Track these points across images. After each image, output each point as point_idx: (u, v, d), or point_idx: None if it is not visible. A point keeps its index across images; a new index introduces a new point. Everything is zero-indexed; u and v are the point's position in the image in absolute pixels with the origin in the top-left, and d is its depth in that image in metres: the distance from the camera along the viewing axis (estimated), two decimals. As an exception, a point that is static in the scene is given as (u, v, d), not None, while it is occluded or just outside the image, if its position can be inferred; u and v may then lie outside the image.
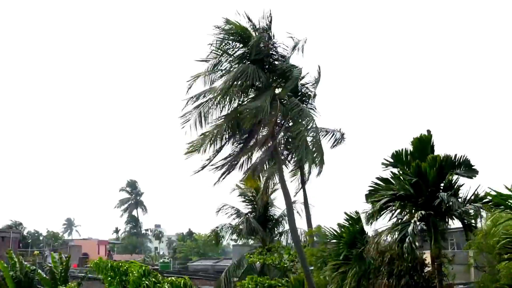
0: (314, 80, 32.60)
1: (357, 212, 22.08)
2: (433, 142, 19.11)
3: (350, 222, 22.31)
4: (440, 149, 19.06)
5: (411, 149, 19.03)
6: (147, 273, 24.88)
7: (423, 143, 18.87)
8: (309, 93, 33.47)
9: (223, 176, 29.99)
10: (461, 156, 18.35)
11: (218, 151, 29.92)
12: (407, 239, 16.78)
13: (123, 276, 24.99)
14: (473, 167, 18.35)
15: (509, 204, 9.82)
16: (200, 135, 29.13)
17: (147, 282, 24.19)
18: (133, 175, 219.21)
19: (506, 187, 9.79)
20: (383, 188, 19.10)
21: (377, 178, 19.50)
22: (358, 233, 22.01)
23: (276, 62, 30.30)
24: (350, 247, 21.90)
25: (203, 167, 29.53)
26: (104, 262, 25.90)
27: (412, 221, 17.23)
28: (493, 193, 10.01)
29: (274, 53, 30.25)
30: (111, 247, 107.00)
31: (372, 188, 19.64)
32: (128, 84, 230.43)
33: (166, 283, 24.90)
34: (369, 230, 22.86)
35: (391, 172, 19.52)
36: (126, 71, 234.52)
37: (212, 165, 29.56)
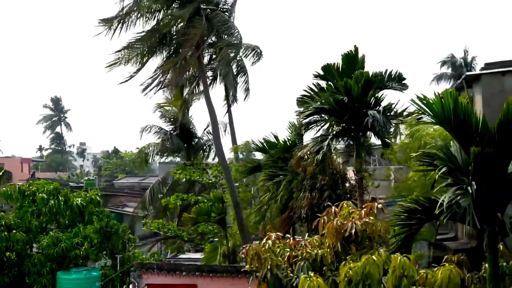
0: None
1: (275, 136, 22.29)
2: (362, 58, 18.96)
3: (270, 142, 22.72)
4: (375, 67, 18.95)
5: (341, 64, 18.84)
6: (55, 192, 24.75)
7: (351, 59, 18.74)
8: (228, 8, 33.16)
9: (152, 90, 29.70)
10: (391, 71, 18.25)
11: (143, 64, 29.36)
12: (320, 152, 16.93)
13: (32, 197, 24.81)
14: (403, 81, 18.31)
15: (436, 112, 9.82)
16: (124, 47, 28.42)
17: (54, 201, 24.12)
18: (57, 90, 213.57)
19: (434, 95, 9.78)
20: (311, 100, 18.93)
21: (306, 90, 19.25)
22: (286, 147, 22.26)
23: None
24: (274, 162, 22.21)
25: (131, 77, 28.99)
26: (12, 188, 25.44)
27: (330, 135, 17.34)
28: (420, 102, 9.98)
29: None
30: (35, 165, 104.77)
31: (301, 99, 19.41)
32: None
33: (78, 199, 24.84)
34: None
35: (320, 85, 19.29)
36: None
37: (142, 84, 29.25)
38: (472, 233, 16.87)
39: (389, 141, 18.50)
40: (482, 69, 18.72)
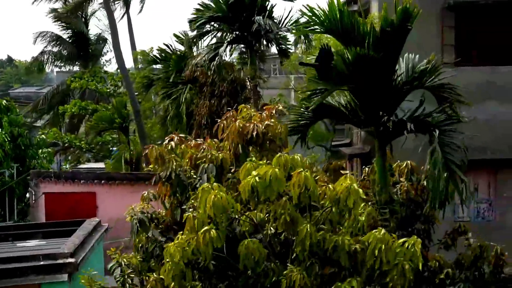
0: None
1: (185, 34, 22.05)
2: None
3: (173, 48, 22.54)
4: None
5: None
6: None
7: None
8: None
9: None
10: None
11: None
12: (216, 58, 16.95)
13: None
14: None
15: (323, 21, 9.90)
16: None
17: None
18: None
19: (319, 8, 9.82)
20: (204, 12, 18.79)
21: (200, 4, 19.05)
22: (184, 57, 22.09)
23: None
24: (177, 72, 22.10)
25: None
26: None
27: (225, 42, 17.39)
28: (308, 12, 10.02)
29: None
30: None
31: (196, 13, 19.22)
32: None
33: None
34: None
35: None
36: None
37: None
38: (366, 138, 17.57)
39: (286, 49, 18.75)
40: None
